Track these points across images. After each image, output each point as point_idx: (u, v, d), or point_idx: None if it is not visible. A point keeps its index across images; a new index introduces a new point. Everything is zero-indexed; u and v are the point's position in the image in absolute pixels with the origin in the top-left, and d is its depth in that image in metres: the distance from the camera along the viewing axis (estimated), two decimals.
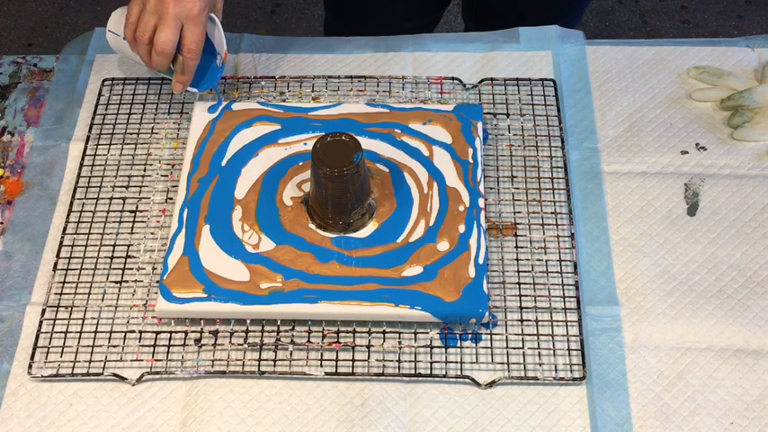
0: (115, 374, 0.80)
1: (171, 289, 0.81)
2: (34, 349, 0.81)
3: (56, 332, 0.82)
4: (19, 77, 1.02)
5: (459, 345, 0.81)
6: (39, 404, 0.79)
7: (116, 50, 0.94)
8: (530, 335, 0.81)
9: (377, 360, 0.80)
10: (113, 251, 0.87)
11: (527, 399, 0.78)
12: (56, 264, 0.86)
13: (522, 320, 0.82)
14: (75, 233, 0.88)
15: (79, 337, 0.82)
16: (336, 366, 0.80)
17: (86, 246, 0.87)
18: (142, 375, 0.79)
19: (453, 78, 0.98)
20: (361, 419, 0.77)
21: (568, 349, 0.80)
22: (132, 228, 0.88)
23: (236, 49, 1.02)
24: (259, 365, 0.80)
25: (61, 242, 0.87)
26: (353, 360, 0.80)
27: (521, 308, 0.83)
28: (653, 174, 0.92)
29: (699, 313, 0.83)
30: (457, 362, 0.80)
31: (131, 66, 1.02)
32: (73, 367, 0.80)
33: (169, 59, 0.85)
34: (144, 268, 0.86)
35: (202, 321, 0.82)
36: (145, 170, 0.92)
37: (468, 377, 0.79)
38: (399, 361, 0.80)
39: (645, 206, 0.90)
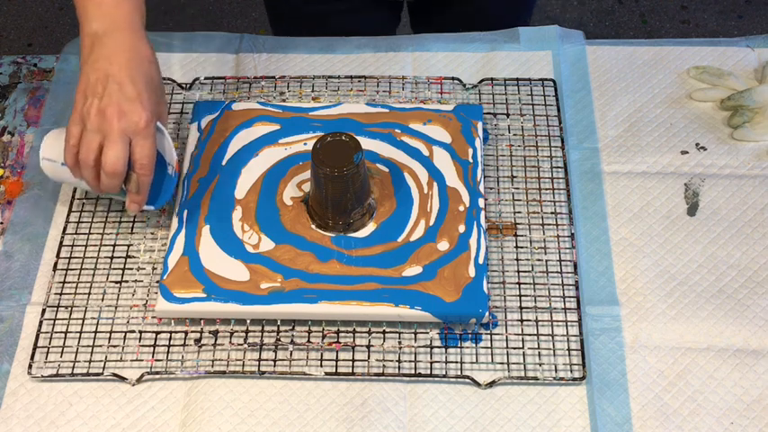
0: (115, 374, 0.80)
1: (171, 289, 0.81)
2: (34, 349, 0.81)
3: (56, 332, 0.82)
4: (19, 77, 1.02)
5: (459, 345, 0.81)
6: (39, 404, 0.79)
7: (54, 179, 0.85)
8: (530, 335, 0.81)
9: (377, 360, 0.80)
10: (113, 251, 0.87)
11: (527, 399, 0.78)
12: (56, 264, 0.86)
13: (522, 320, 0.82)
14: (75, 233, 0.88)
15: (79, 337, 0.82)
16: (336, 366, 0.80)
17: (86, 246, 0.87)
18: (142, 375, 0.79)
19: (453, 78, 0.98)
20: (361, 419, 0.77)
21: (568, 349, 0.80)
22: (132, 228, 0.88)
23: (236, 50, 1.02)
24: (259, 365, 0.80)
25: (61, 242, 0.87)
26: (353, 360, 0.80)
27: (521, 308, 0.83)
28: (653, 174, 0.92)
29: (699, 313, 0.83)
30: (457, 362, 0.80)
31: None
32: (73, 367, 0.80)
33: (121, 180, 0.77)
34: (144, 268, 0.85)
35: (202, 321, 0.82)
36: None
37: (468, 377, 0.79)
38: (399, 361, 0.80)
39: (645, 206, 0.90)
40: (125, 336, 0.82)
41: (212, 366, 0.80)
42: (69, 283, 0.85)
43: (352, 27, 1.05)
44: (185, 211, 0.86)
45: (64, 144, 0.78)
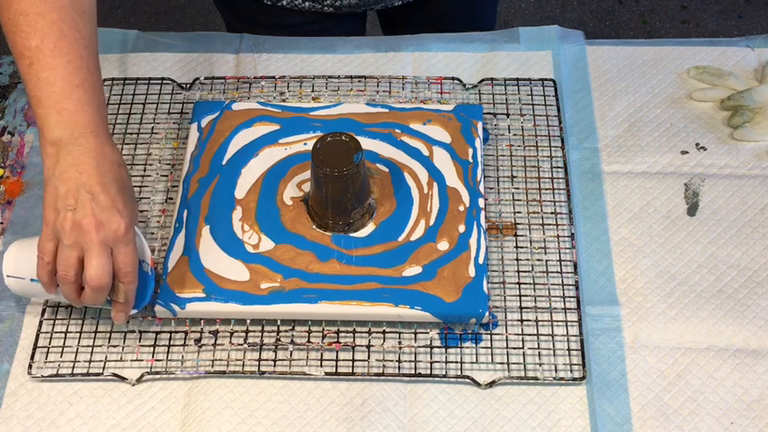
0: (115, 374, 0.80)
1: (171, 289, 0.81)
2: (34, 349, 0.81)
3: (56, 332, 0.82)
4: (19, 77, 1.02)
5: (459, 345, 0.81)
6: (39, 404, 0.79)
7: (21, 295, 0.80)
8: (530, 335, 0.81)
9: (377, 360, 0.80)
10: None
11: (527, 399, 0.78)
12: None
13: (522, 320, 0.82)
14: None
15: (79, 337, 0.82)
16: (336, 366, 0.80)
17: None
18: (142, 375, 0.79)
19: (453, 78, 0.98)
20: (361, 419, 0.77)
21: (568, 349, 0.80)
22: None
23: (236, 50, 1.02)
24: (259, 365, 0.80)
25: None
26: (353, 360, 0.80)
27: (521, 308, 0.83)
28: (653, 174, 0.92)
29: (699, 313, 0.83)
30: (457, 362, 0.80)
31: (132, 66, 1.02)
32: (73, 367, 0.80)
33: (107, 292, 0.74)
34: None
35: (202, 321, 0.82)
36: (145, 170, 0.92)
37: (468, 377, 0.79)
38: (399, 361, 0.80)
39: (645, 206, 0.90)
40: (125, 336, 0.82)
41: (212, 366, 0.80)
42: None
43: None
44: (185, 211, 0.86)
45: (36, 260, 0.74)
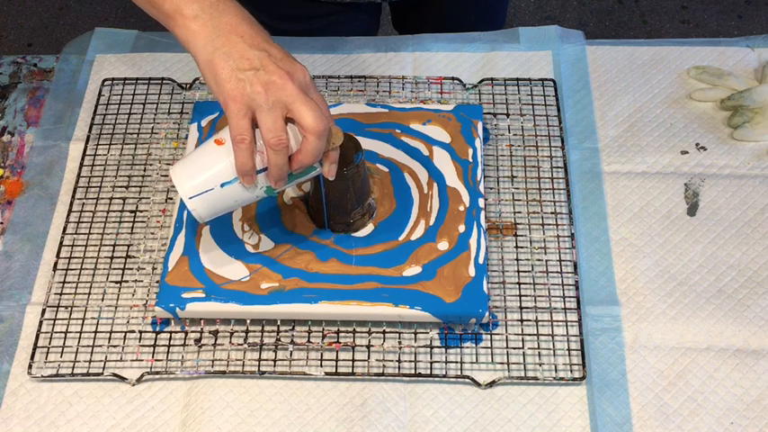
0: (115, 374, 0.80)
1: (171, 289, 0.81)
2: (34, 349, 0.81)
3: (56, 332, 0.82)
4: (19, 77, 1.02)
5: (459, 345, 0.81)
6: (39, 404, 0.79)
7: (208, 216, 0.73)
8: (530, 335, 0.81)
9: (377, 360, 0.80)
10: (113, 251, 0.87)
11: (527, 399, 0.78)
12: (56, 264, 0.86)
13: (522, 320, 0.82)
14: (75, 233, 0.88)
15: (79, 337, 0.82)
16: (336, 366, 0.80)
17: (86, 246, 0.87)
18: (142, 375, 0.79)
19: (453, 78, 0.98)
20: (361, 419, 0.77)
21: (568, 349, 0.80)
22: (132, 228, 0.88)
23: None
24: (259, 365, 0.80)
25: (61, 242, 0.87)
26: (353, 360, 0.80)
27: (521, 308, 0.83)
28: (653, 174, 0.92)
29: (699, 313, 0.83)
30: (457, 362, 0.80)
31: (132, 66, 1.02)
32: (73, 367, 0.80)
33: (326, 138, 0.70)
34: (144, 268, 0.86)
35: (202, 321, 0.82)
36: (145, 170, 0.92)
37: (468, 377, 0.79)
38: (399, 361, 0.80)
39: (645, 206, 0.90)
40: (125, 336, 0.82)
41: (212, 366, 0.80)
42: (69, 283, 0.85)
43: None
44: (185, 211, 0.86)
45: (212, 166, 0.70)
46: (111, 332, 0.82)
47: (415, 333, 0.82)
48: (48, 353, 0.81)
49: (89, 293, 0.84)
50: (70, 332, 0.82)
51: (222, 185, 0.70)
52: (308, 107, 0.67)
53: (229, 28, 0.69)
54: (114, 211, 0.89)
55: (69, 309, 0.83)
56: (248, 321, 0.82)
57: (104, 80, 0.99)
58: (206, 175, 0.71)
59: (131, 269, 0.86)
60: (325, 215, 0.83)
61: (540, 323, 0.82)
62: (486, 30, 1.04)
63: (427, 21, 1.14)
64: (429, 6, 1.14)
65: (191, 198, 0.71)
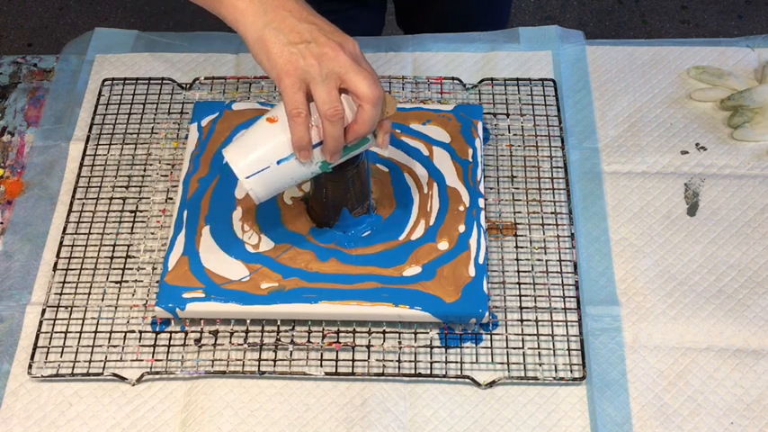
0: (115, 374, 0.80)
1: (171, 289, 0.81)
2: (34, 349, 0.81)
3: (56, 332, 0.82)
4: (19, 77, 1.02)
5: (459, 345, 0.81)
6: (39, 404, 0.79)
7: (265, 195, 0.73)
8: (530, 335, 0.81)
9: (377, 360, 0.80)
10: (113, 251, 0.87)
11: (527, 399, 0.78)
12: (56, 264, 0.86)
13: (522, 320, 0.82)
14: (75, 233, 0.88)
15: (79, 337, 0.82)
16: (336, 366, 0.80)
17: (86, 246, 0.87)
18: (142, 375, 0.79)
19: (453, 78, 0.98)
20: (361, 419, 0.77)
21: (568, 349, 0.80)
22: (132, 228, 0.88)
23: (236, 50, 1.02)
24: (259, 365, 0.80)
25: (61, 242, 0.87)
26: (353, 360, 0.80)
27: (521, 308, 0.83)
28: (653, 174, 0.92)
29: (699, 313, 0.83)
30: (457, 362, 0.80)
31: (131, 66, 1.02)
32: (73, 367, 0.80)
33: (381, 107, 0.70)
34: (144, 268, 0.86)
35: (202, 321, 0.82)
36: (145, 170, 0.92)
37: (468, 377, 0.79)
38: (399, 361, 0.80)
39: (645, 206, 0.90)
40: (125, 336, 0.82)
41: (212, 366, 0.80)
42: (69, 283, 0.85)
43: None
44: (185, 211, 0.86)
45: (266, 144, 0.70)
46: (111, 332, 0.82)
47: (415, 333, 0.82)
48: (48, 353, 0.81)
49: (89, 293, 0.84)
50: (70, 332, 0.82)
51: (278, 162, 0.70)
52: (361, 76, 0.68)
53: (277, 3, 0.70)
54: (114, 211, 0.89)
55: (69, 309, 0.83)
56: (248, 321, 0.82)
57: (104, 80, 0.99)
58: (261, 153, 0.71)
59: (131, 269, 0.86)
60: (325, 215, 0.83)
61: (540, 323, 0.82)
62: (489, 27, 1.04)
63: (430, 18, 1.14)
64: (432, 4, 1.14)
65: (247, 177, 0.71)
